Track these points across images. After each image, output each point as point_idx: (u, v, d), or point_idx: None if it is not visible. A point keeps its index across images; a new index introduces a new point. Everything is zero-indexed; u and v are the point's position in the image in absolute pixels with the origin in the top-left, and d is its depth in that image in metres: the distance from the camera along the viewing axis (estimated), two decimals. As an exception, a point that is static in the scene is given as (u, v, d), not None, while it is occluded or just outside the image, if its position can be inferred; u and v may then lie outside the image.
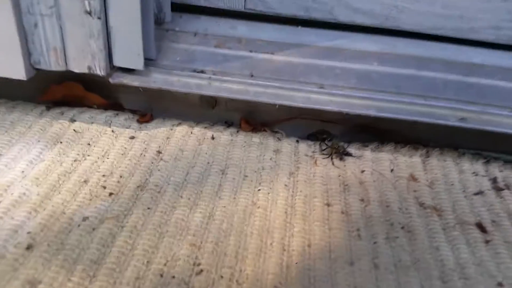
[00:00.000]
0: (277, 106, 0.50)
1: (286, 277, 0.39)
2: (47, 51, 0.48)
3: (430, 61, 0.55)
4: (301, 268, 0.40)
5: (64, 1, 0.44)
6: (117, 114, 0.58)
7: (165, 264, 0.39)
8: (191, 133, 0.57)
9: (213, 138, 0.56)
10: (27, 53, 0.48)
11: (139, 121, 0.57)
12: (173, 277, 0.38)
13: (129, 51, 0.48)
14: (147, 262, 0.39)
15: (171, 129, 0.57)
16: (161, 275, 0.38)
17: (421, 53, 0.56)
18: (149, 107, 0.60)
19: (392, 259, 0.42)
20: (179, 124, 0.58)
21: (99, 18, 0.45)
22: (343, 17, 0.56)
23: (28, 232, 0.40)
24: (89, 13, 0.44)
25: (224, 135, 0.57)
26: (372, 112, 0.49)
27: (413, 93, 0.51)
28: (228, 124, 0.60)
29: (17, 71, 0.48)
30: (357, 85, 0.51)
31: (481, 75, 0.53)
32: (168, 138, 0.55)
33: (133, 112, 0.59)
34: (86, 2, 0.44)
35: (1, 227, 0.41)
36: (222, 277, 0.38)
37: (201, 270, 0.39)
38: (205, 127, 0.58)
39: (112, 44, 0.48)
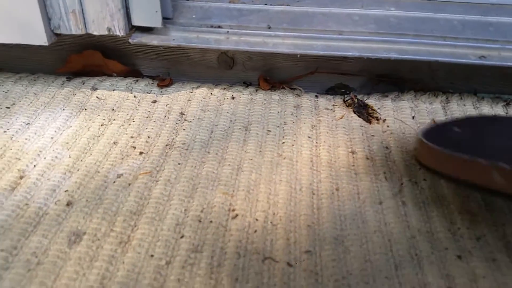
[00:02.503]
0: (298, 56, 0.50)
1: (318, 218, 0.40)
2: (66, 14, 0.48)
3: (446, 4, 0.55)
4: (331, 209, 0.41)
5: (80, -39, 0.45)
6: (137, 81, 0.59)
7: (201, 211, 0.40)
8: (211, 94, 0.58)
9: (233, 98, 0.57)
10: (47, 18, 0.48)
11: (159, 86, 0.58)
12: (211, 221, 0.39)
13: (147, 8, 0.48)
14: (185, 210, 0.40)
15: (191, 92, 0.58)
16: (199, 221, 0.39)
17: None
18: (167, 72, 0.61)
19: (420, 196, 0.43)
20: (199, 86, 0.59)
21: (115, -24, 0.45)
22: (358, -35, 0.56)
23: (66, 191, 0.42)
24: (106, -28, 0.44)
25: (243, 95, 0.58)
26: (393, 55, 0.49)
27: (432, 35, 0.51)
28: (247, 84, 0.60)
29: (38, 37, 0.48)
30: (376, 30, 0.51)
31: (500, 14, 0.53)
32: (189, 100, 0.56)
33: (152, 78, 0.60)
34: (102, -39, 0.44)
35: (40, 188, 0.42)
36: (257, 219, 0.39)
37: (236, 215, 0.40)
38: (224, 88, 0.59)
39: (130, 2, 0.48)
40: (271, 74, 0.60)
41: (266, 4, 0.55)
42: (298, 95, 0.58)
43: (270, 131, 0.52)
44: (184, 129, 0.51)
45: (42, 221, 0.39)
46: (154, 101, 0.56)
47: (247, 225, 0.39)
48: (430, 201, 0.43)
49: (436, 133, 0.44)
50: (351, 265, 0.36)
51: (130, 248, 0.36)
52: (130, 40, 0.51)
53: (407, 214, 0.41)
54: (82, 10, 0.48)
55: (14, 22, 0.49)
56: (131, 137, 0.49)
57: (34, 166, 0.45)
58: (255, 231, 0.38)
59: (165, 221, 0.39)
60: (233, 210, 0.40)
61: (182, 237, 0.38)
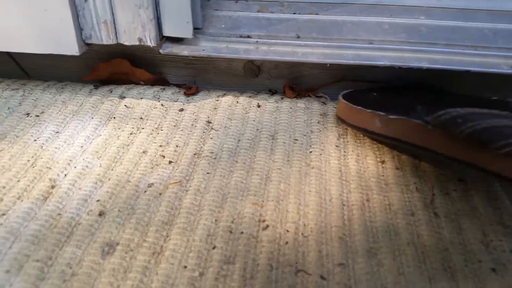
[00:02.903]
0: (328, 65, 0.50)
1: (349, 229, 0.40)
2: (98, 24, 0.49)
3: (476, 12, 0.55)
4: (363, 220, 0.41)
5: (113, -29, 0.45)
6: (164, 89, 0.59)
7: (232, 222, 0.40)
8: (237, 102, 0.58)
9: (259, 106, 0.57)
10: (79, 28, 0.49)
11: (186, 94, 0.58)
12: (242, 232, 0.39)
13: (178, 19, 0.49)
14: (215, 220, 0.40)
15: (217, 100, 0.58)
16: (231, 231, 0.39)
17: (466, 5, 0.56)
18: (193, 80, 0.61)
19: (452, 208, 0.42)
20: (224, 94, 0.59)
21: (147, -13, 0.46)
22: (386, -27, 0.56)
23: (98, 200, 0.42)
24: (138, -18, 0.44)
25: (269, 103, 0.58)
26: (425, 64, 0.48)
27: (463, 44, 0.51)
28: (272, 92, 0.60)
29: (70, 47, 0.49)
30: (406, 39, 0.51)
31: (532, 21, 0.52)
32: (215, 108, 0.56)
33: (179, 86, 0.60)
34: (135, -28, 0.44)
35: (71, 197, 0.43)
36: (288, 231, 0.39)
37: (267, 226, 0.40)
38: (250, 96, 0.59)
39: (161, 13, 0.49)
40: (296, 82, 0.60)
41: (294, 13, 0.55)
42: (324, 103, 0.58)
43: (297, 140, 0.52)
44: (211, 138, 0.51)
45: (75, 232, 0.39)
46: (181, 110, 0.56)
47: (278, 236, 0.39)
48: (461, 212, 0.42)
49: (355, 94, 0.53)
50: (385, 278, 0.36)
51: (163, 259, 0.36)
52: (160, 51, 0.52)
53: (439, 226, 0.41)
54: (114, 20, 0.49)
55: (46, 32, 0.49)
56: (160, 146, 0.50)
57: (65, 175, 0.46)
58: (287, 242, 0.38)
59: (197, 231, 0.39)
60: (264, 221, 0.40)
61: (214, 248, 0.38)
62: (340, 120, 0.51)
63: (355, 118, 0.48)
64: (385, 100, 0.52)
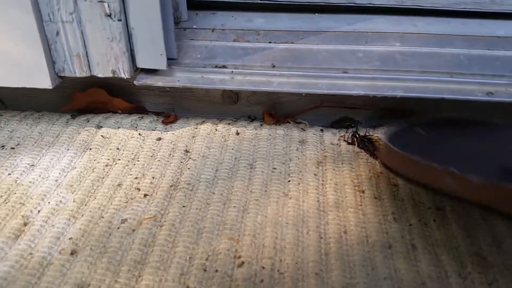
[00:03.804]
0: (303, 94, 0.50)
1: (326, 264, 0.39)
2: (71, 58, 0.49)
3: (452, 38, 0.55)
4: (340, 254, 0.40)
5: (84, 6, 0.45)
6: (142, 117, 0.59)
7: (207, 259, 0.39)
8: (216, 130, 0.57)
9: (237, 133, 0.57)
10: (51, 62, 0.49)
11: (164, 122, 0.58)
12: (216, 270, 0.38)
13: (152, 51, 0.48)
14: (190, 258, 0.39)
15: (196, 128, 0.57)
16: (205, 270, 0.38)
17: (442, 30, 0.56)
18: (172, 108, 0.60)
19: (429, 239, 0.42)
20: (203, 122, 0.59)
21: (119, 20, 0.45)
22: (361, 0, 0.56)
23: (70, 238, 0.41)
24: (109, 15, 0.44)
25: (248, 130, 0.57)
26: (399, 93, 0.48)
27: (438, 71, 0.51)
28: (251, 118, 0.60)
29: (43, 81, 0.49)
30: (381, 67, 0.51)
31: (506, 47, 0.53)
32: (193, 137, 0.56)
33: (157, 114, 0.60)
34: (106, 5, 0.44)
35: (44, 235, 0.42)
36: (263, 267, 0.39)
37: (242, 262, 0.39)
38: (229, 123, 0.59)
39: (134, 45, 0.48)
40: (275, 108, 0.59)
41: (270, 42, 0.55)
42: (303, 129, 0.58)
43: (275, 168, 0.51)
44: (189, 168, 0.51)
45: (46, 272, 0.38)
46: (159, 139, 0.55)
47: (254, 274, 0.38)
48: (439, 243, 0.42)
49: (401, 135, 0.45)
50: (361, 316, 0.35)
51: (134, 301, 0.36)
52: (135, 82, 0.51)
53: (417, 258, 0.40)
54: (87, 53, 0.48)
55: (18, 66, 0.49)
56: (136, 178, 0.49)
57: (39, 211, 0.45)
58: (262, 280, 0.38)
59: (170, 270, 0.38)
60: (239, 257, 0.40)
61: (187, 288, 0.37)
62: (389, 169, 0.43)
63: (412, 170, 0.40)
64: (441, 143, 0.43)
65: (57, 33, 0.47)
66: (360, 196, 0.47)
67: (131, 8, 0.46)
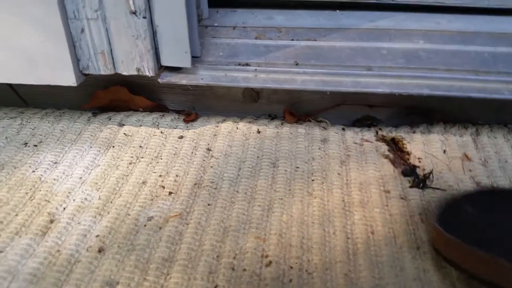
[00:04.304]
0: (328, 93, 0.50)
1: (354, 265, 0.39)
2: (95, 55, 0.49)
3: (476, 35, 0.54)
4: (368, 255, 0.40)
5: (109, 3, 0.45)
6: (163, 116, 0.59)
7: (234, 258, 0.39)
8: (237, 128, 0.57)
9: (258, 132, 0.57)
10: (76, 59, 0.49)
11: (185, 121, 0.58)
12: (244, 269, 0.38)
13: (176, 49, 0.48)
14: (217, 256, 0.39)
15: (217, 126, 0.57)
16: (233, 268, 0.38)
17: (465, 28, 0.55)
18: (193, 106, 0.60)
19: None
20: (224, 120, 0.58)
21: (144, 17, 0.45)
22: (383, -3, 0.56)
23: (97, 236, 0.42)
24: (134, 13, 0.44)
25: (269, 128, 0.57)
26: (425, 91, 0.48)
27: (463, 69, 0.50)
28: (272, 117, 0.60)
29: (68, 78, 0.49)
30: (405, 64, 0.51)
31: (532, 44, 0.52)
32: (215, 135, 0.56)
33: (178, 112, 0.60)
34: (131, 2, 0.44)
35: (71, 232, 0.42)
36: (291, 267, 0.39)
37: (270, 262, 0.39)
38: (250, 122, 0.58)
39: (159, 43, 0.48)
40: (296, 107, 0.59)
41: (292, 40, 0.54)
42: (325, 128, 0.57)
43: (298, 167, 0.51)
44: (211, 166, 0.51)
45: (75, 270, 0.38)
46: (181, 137, 0.55)
47: (282, 273, 0.38)
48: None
49: (450, 216, 0.40)
50: (391, 317, 0.35)
51: (164, 299, 0.36)
52: (159, 80, 0.51)
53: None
54: (111, 50, 0.48)
55: (43, 63, 0.49)
56: (160, 175, 0.49)
57: (64, 208, 0.45)
58: (290, 280, 0.37)
59: (198, 268, 0.38)
60: (266, 256, 0.40)
61: (216, 287, 0.37)
62: (442, 255, 0.40)
63: (475, 263, 0.37)
64: (495, 222, 0.39)
65: (82, 30, 0.47)
66: (386, 196, 0.47)
67: (156, 6, 0.46)
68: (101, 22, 0.46)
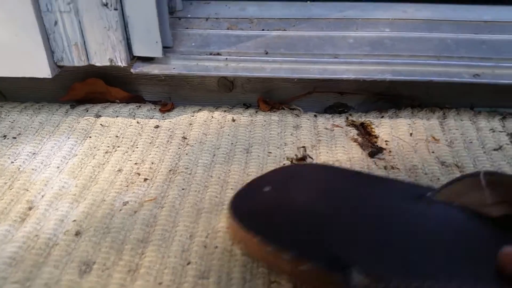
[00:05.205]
0: (295, 80, 0.52)
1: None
2: (69, 47, 0.50)
3: (440, 23, 0.57)
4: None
5: (81, -5, 0.46)
6: (139, 106, 0.60)
7: (206, 237, 0.41)
8: (212, 117, 0.59)
9: (233, 120, 0.58)
10: (50, 52, 0.50)
11: (162, 111, 0.59)
12: (216, 247, 0.40)
13: (147, 39, 0.50)
14: (190, 236, 0.41)
15: (193, 116, 0.59)
16: (205, 246, 0.40)
17: (431, 16, 0.58)
18: (169, 97, 0.62)
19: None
20: (199, 110, 0.60)
21: (115, 9, 0.47)
22: (353, -13, 0.58)
23: (74, 220, 0.43)
24: (106, 5, 0.45)
25: (243, 117, 0.59)
26: (388, 76, 0.50)
27: (426, 55, 0.53)
28: (247, 105, 0.62)
29: (42, 70, 0.50)
30: (371, 52, 0.53)
31: (492, 31, 0.55)
32: (190, 124, 0.57)
33: (154, 103, 0.61)
34: (103, -6, 0.45)
35: (48, 218, 0.43)
36: (261, 244, 0.40)
37: (241, 240, 0.41)
38: (225, 111, 0.60)
39: (130, 34, 0.50)
40: (270, 95, 0.61)
41: (263, 30, 0.56)
42: (297, 115, 0.59)
43: (271, 152, 0.53)
44: (186, 154, 0.52)
45: (53, 252, 0.40)
46: (157, 126, 0.57)
47: (252, 249, 0.40)
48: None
49: (247, 199, 0.37)
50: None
51: (139, 276, 0.37)
52: (132, 70, 0.53)
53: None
54: (84, 42, 0.50)
55: (18, 56, 0.50)
56: (135, 163, 0.51)
57: (42, 196, 0.46)
58: (260, 255, 0.39)
59: (171, 248, 0.40)
60: (238, 234, 0.41)
61: (188, 263, 0.38)
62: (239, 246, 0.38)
63: (261, 254, 0.35)
64: (287, 204, 0.36)
65: (55, 23, 0.48)
66: (353, 177, 0.49)
67: (127, -3, 0.47)
68: (73, 14, 0.47)
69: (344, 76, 0.50)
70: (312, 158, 0.48)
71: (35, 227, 0.42)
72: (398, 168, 0.50)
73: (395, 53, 0.53)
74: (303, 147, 0.49)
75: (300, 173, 0.41)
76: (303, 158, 0.49)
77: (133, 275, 0.38)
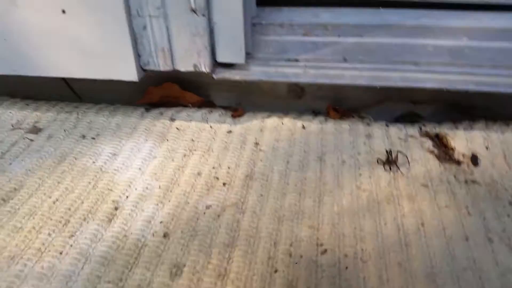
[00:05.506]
0: (378, 87, 0.51)
1: (407, 254, 0.41)
2: (155, 52, 0.51)
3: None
4: (419, 245, 0.41)
5: (171, 0, 0.47)
6: (211, 111, 0.61)
7: (291, 245, 0.41)
8: (282, 123, 0.59)
9: (303, 127, 0.59)
10: (137, 55, 0.52)
11: (233, 116, 0.60)
12: (301, 256, 0.40)
13: (232, 46, 0.51)
14: (274, 243, 0.41)
15: (263, 122, 0.59)
16: (290, 255, 0.40)
17: (508, 25, 0.56)
18: (238, 102, 0.63)
19: (505, 233, 0.43)
20: (269, 116, 0.61)
21: (203, 15, 0.48)
22: (426, -5, 0.57)
23: (161, 222, 0.44)
24: (194, 11, 0.46)
25: (313, 124, 0.59)
26: (472, 87, 0.49)
27: (508, 66, 0.51)
28: (315, 113, 0.62)
29: (129, 73, 0.51)
30: (452, 61, 0.52)
31: None
32: (261, 130, 0.58)
33: (224, 108, 0.62)
34: (192, 0, 0.46)
35: (135, 219, 0.45)
36: (346, 255, 0.40)
37: (325, 250, 0.41)
38: (294, 118, 0.60)
39: (216, 40, 0.51)
40: (339, 103, 0.61)
41: (339, 36, 0.56)
42: (368, 124, 0.59)
43: (345, 161, 0.53)
44: (261, 160, 0.53)
45: (142, 253, 0.41)
46: (229, 131, 0.58)
47: (337, 260, 0.40)
48: (516, 236, 0.42)
49: None
50: (445, 304, 0.36)
51: (228, 281, 0.38)
52: (214, 76, 0.54)
53: (494, 250, 0.41)
54: (171, 48, 0.51)
55: (106, 58, 0.52)
56: (213, 167, 0.52)
57: (127, 197, 0.48)
58: (346, 267, 0.39)
59: (257, 254, 0.41)
60: (321, 244, 0.42)
61: (276, 271, 0.39)
62: None
63: None
64: None
65: (144, 27, 0.49)
66: (434, 191, 0.48)
67: (215, 4, 0.48)
68: (162, 19, 0.49)
69: (428, 85, 0.50)
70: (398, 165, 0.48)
71: (122, 227, 0.44)
72: (478, 183, 0.49)
73: (477, 63, 0.52)
74: (390, 150, 0.49)
75: None
76: (394, 161, 0.49)
77: (223, 280, 0.38)
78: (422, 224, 0.44)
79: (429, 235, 0.42)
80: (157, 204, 0.46)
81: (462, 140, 0.55)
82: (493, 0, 0.60)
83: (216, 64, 0.54)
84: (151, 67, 0.53)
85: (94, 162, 0.53)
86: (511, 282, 0.38)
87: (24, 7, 0.51)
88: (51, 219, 0.45)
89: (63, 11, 0.50)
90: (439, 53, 0.54)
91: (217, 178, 0.50)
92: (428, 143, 0.55)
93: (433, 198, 0.47)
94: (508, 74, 0.52)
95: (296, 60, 0.54)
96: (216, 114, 0.61)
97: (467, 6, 0.61)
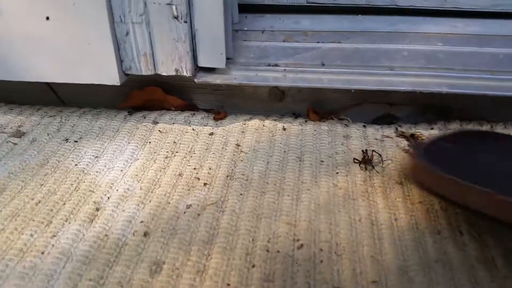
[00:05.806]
0: (353, 91, 0.53)
1: (380, 248, 0.42)
2: (138, 57, 0.53)
3: (491, 38, 0.57)
4: (392, 239, 0.43)
5: (153, 8, 0.49)
6: (194, 114, 0.63)
7: (268, 241, 0.43)
8: (263, 125, 0.61)
9: (284, 129, 0.60)
10: (120, 60, 0.53)
11: (215, 119, 0.61)
12: (278, 251, 0.41)
13: (213, 51, 0.52)
14: (252, 240, 0.43)
15: (244, 124, 0.61)
16: (267, 250, 0.41)
17: (481, 31, 0.59)
18: (221, 105, 0.64)
19: (475, 226, 0.44)
20: (251, 118, 0.62)
21: (185, 21, 0.49)
22: (403, 2, 0.59)
23: (141, 221, 0.45)
24: (176, 17, 0.48)
25: (294, 126, 0.60)
26: (445, 89, 0.51)
27: (479, 69, 0.54)
28: (296, 115, 0.63)
29: (112, 78, 0.53)
30: (426, 64, 0.54)
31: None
32: (243, 132, 0.59)
33: (207, 111, 0.64)
34: (174, 8, 0.48)
35: (116, 219, 0.46)
36: (321, 250, 0.42)
37: (302, 245, 0.42)
38: (275, 120, 0.62)
39: (197, 46, 0.52)
40: (319, 105, 0.63)
41: (318, 42, 0.58)
42: (347, 125, 0.61)
43: (323, 161, 0.54)
44: (241, 160, 0.54)
45: (123, 252, 0.42)
46: (211, 134, 0.59)
47: (313, 255, 0.41)
48: (485, 230, 0.44)
49: (431, 151, 0.46)
50: (416, 295, 0.38)
51: (207, 277, 0.39)
52: (195, 80, 0.55)
53: (465, 243, 0.43)
54: (153, 53, 0.52)
55: (89, 63, 0.53)
56: (194, 168, 0.53)
57: (108, 198, 0.48)
58: (321, 261, 0.41)
59: (236, 250, 0.42)
60: (298, 240, 0.43)
61: (253, 266, 0.40)
62: (421, 185, 0.45)
63: (452, 190, 0.41)
64: (470, 157, 0.45)
65: (127, 33, 0.51)
66: (407, 187, 0.50)
67: (197, 11, 0.49)
68: (145, 26, 0.50)
69: (401, 88, 0.52)
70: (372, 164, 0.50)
71: (104, 227, 0.45)
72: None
73: (450, 66, 0.54)
74: (366, 150, 0.51)
75: (470, 135, 0.51)
76: (370, 160, 0.51)
77: (201, 275, 0.39)
78: (396, 219, 0.45)
79: (401, 230, 0.44)
80: (138, 205, 0.47)
81: (436, 139, 0.57)
82: (467, 7, 0.63)
83: (198, 69, 0.56)
84: (133, 71, 0.54)
85: (76, 165, 0.54)
86: (479, 272, 0.40)
87: (8, 14, 0.52)
88: (33, 220, 0.45)
89: (47, 18, 0.51)
90: (414, 57, 0.56)
91: (198, 179, 0.51)
92: (404, 143, 0.57)
93: (406, 194, 0.48)
94: (479, 76, 0.54)
95: (276, 65, 0.56)
96: (199, 117, 0.62)
97: (443, 12, 0.63)
